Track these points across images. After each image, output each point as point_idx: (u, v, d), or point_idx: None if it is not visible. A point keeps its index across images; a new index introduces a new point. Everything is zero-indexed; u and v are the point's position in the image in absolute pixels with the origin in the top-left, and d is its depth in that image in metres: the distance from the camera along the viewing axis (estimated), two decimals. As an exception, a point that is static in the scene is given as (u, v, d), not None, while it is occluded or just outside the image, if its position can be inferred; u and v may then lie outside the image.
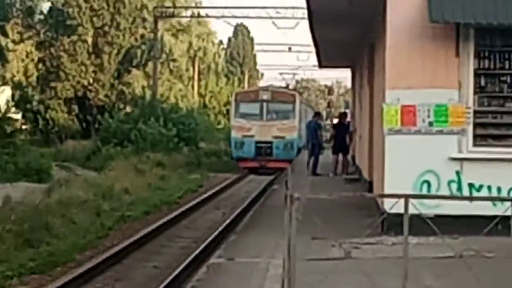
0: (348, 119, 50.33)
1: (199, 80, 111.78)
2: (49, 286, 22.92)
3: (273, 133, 61.49)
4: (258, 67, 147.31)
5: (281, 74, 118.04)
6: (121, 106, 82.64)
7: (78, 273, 24.70)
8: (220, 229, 31.98)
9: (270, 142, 61.56)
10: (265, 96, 63.02)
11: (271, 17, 77.68)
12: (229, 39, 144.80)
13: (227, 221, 34.20)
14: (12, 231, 29.81)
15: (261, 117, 62.51)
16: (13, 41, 79.34)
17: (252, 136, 61.67)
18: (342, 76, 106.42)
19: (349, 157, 45.46)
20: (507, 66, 22.91)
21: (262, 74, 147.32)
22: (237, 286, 17.54)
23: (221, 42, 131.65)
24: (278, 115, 62.90)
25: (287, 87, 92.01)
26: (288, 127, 62.38)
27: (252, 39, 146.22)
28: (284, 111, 63.24)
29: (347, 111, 60.75)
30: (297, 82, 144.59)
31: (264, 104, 62.54)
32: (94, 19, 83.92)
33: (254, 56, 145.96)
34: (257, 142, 61.55)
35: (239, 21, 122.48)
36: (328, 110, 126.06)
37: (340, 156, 44.94)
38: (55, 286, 22.80)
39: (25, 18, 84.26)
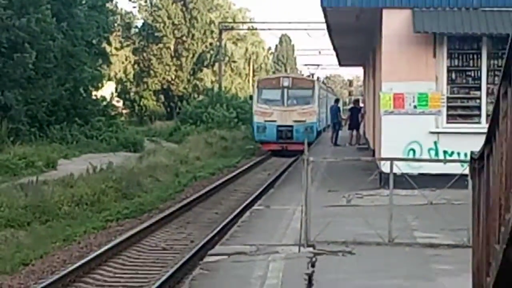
0: (362, 104, 50.30)
1: (253, 76, 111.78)
2: (138, 227, 23.25)
3: (294, 117, 49.84)
4: (297, 66, 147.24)
5: (306, 65, 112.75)
6: (195, 95, 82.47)
7: (160, 217, 25.10)
8: (264, 185, 32.18)
9: (291, 126, 49.78)
10: (286, 82, 50.85)
11: (305, 29, 77.18)
12: (276, 46, 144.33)
13: (270, 180, 34.42)
14: (113, 187, 30.20)
15: (282, 102, 50.53)
16: (116, 48, 79.53)
17: (274, 121, 49.93)
18: (360, 72, 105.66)
19: (361, 132, 45.44)
20: (471, 64, 23.04)
21: (301, 71, 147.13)
22: (271, 225, 17.61)
23: (269, 48, 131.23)
24: (298, 100, 50.76)
25: (311, 75, 76.37)
26: (308, 111, 50.54)
27: (293, 46, 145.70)
28: (304, 96, 50.73)
29: (360, 98, 59.60)
30: (327, 77, 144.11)
31: (285, 90, 50.50)
32: (175, 31, 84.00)
33: (295, 58, 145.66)
34: (278, 126, 49.79)
35: (283, 32, 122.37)
36: (349, 98, 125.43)
37: (354, 132, 45.02)
38: (143, 227, 23.16)
39: (124, 31, 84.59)
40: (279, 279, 12.25)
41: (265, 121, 50.21)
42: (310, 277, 12.37)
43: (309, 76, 75.66)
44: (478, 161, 9.50)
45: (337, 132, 46.65)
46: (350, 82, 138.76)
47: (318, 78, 78.84)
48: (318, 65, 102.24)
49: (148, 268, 18.71)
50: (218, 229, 22.03)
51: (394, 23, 23.07)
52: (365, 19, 25.58)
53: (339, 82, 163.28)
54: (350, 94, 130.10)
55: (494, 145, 8.67)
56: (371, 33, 28.27)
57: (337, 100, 55.91)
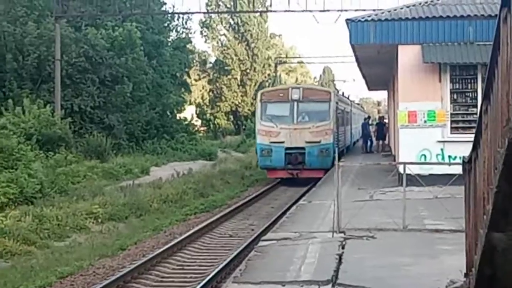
0: (386, 120, 49.53)
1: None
2: (211, 219, 23.37)
3: (306, 137, 32.08)
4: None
5: (333, 81, 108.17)
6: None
7: (228, 211, 25.26)
8: (309, 185, 31.83)
9: (303, 149, 32.08)
10: (296, 95, 32.71)
11: (342, 62, 76.75)
12: (320, 75, 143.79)
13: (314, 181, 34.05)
14: (192, 188, 30.44)
15: (291, 119, 32.62)
16: (194, 79, 79.69)
17: (281, 142, 32.26)
18: (386, 95, 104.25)
19: (386, 141, 44.97)
20: (469, 87, 22.80)
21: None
22: (311, 216, 17.67)
23: (315, 77, 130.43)
24: (311, 116, 32.74)
25: (342, 93, 57.20)
26: (323, 129, 32.42)
27: (333, 75, 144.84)
28: (318, 111, 32.61)
29: (385, 115, 57.83)
30: (360, 99, 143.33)
31: (295, 104, 32.58)
32: (241, 65, 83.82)
33: (335, 85, 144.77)
34: (287, 149, 32.16)
35: (325, 64, 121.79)
36: (378, 115, 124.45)
37: (380, 142, 44.55)
38: (215, 218, 23.28)
39: (201, 65, 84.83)
40: (315, 259, 12.26)
41: (271, 142, 32.60)
42: (340, 256, 12.36)
43: (338, 91, 60.18)
44: (468, 164, 9.47)
45: (369, 142, 45.85)
46: (379, 103, 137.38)
47: (338, 90, 63.93)
48: (344, 80, 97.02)
49: (218, 251, 18.84)
50: (272, 220, 22.09)
51: (407, 56, 22.94)
52: (385, 53, 25.42)
53: (370, 103, 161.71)
54: (378, 112, 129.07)
55: (479, 151, 8.64)
56: (390, 64, 28.08)
57: (368, 118, 54.17)
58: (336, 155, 16.21)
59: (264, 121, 33.31)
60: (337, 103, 35.55)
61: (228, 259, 16.40)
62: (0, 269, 16.13)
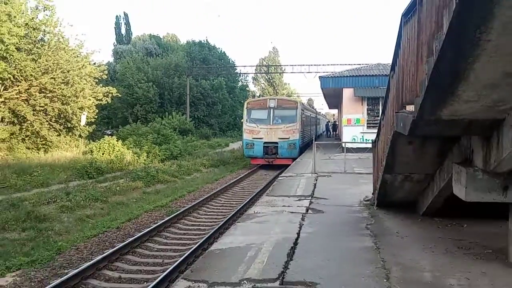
0: (337, 122, 48.37)
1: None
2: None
3: (279, 135, 21.61)
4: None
5: (312, 102, 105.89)
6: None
7: (246, 173, 24.74)
8: (281, 169, 30.81)
9: (276, 143, 21.62)
10: (272, 103, 21.77)
11: (318, 96, 74.53)
12: (307, 102, 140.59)
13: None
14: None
15: (268, 121, 21.56)
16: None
17: (261, 138, 21.68)
18: (336, 111, 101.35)
19: (337, 132, 43.98)
20: (375, 108, 22.08)
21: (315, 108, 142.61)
22: (302, 166, 17.22)
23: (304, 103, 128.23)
24: (283, 119, 21.66)
25: (312, 106, 47.61)
26: (291, 129, 21.63)
27: (313, 101, 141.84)
28: (288, 116, 21.65)
29: (337, 120, 56.33)
30: (326, 112, 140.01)
31: (271, 111, 21.56)
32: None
33: (313, 105, 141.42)
34: (265, 143, 21.68)
35: (309, 96, 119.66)
36: (333, 120, 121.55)
37: (334, 132, 43.63)
38: (240, 177, 22.95)
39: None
40: (304, 186, 12.09)
41: (253, 138, 22.26)
42: (315, 185, 12.18)
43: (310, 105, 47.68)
44: (374, 143, 9.34)
45: (329, 132, 45.05)
46: (334, 114, 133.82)
47: (313, 107, 52.70)
48: (313, 100, 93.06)
49: (260, 181, 18.50)
50: (282, 169, 21.56)
51: (347, 93, 22.48)
52: (337, 92, 24.95)
53: (330, 114, 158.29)
54: (334, 118, 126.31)
55: (379, 137, 8.49)
56: (339, 97, 27.55)
57: (328, 121, 53.70)
58: (314, 144, 15.82)
59: (249, 123, 22.29)
60: (303, 110, 24.64)
61: (263, 185, 16.32)
62: (162, 188, 16.33)
